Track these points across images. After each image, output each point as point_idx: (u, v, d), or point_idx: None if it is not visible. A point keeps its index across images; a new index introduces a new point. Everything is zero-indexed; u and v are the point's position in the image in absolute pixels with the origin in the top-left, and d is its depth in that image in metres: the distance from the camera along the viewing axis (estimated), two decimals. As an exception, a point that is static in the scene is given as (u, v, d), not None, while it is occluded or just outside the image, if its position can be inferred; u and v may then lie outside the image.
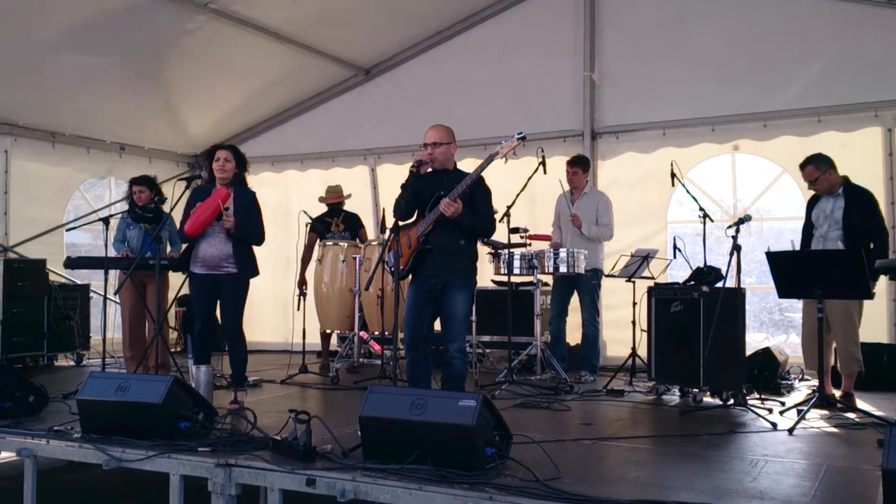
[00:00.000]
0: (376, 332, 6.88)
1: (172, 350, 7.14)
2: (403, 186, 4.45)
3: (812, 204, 5.65)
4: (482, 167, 4.29)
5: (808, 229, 5.60)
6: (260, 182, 8.94)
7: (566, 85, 8.04)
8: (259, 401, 5.41)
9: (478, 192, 4.39)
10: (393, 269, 4.49)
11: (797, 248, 5.88)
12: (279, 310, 8.54)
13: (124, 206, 6.39)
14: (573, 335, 6.90)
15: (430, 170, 4.45)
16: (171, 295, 6.42)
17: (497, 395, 5.57)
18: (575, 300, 6.72)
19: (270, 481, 3.47)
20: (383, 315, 6.57)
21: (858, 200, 5.39)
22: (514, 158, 7.90)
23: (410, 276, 4.52)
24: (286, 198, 9.18)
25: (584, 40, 7.93)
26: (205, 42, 7.52)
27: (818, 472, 3.56)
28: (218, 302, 5.11)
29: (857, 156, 6.76)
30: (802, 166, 5.57)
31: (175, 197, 5.18)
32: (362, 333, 6.80)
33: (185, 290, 5.96)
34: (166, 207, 5.98)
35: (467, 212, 4.25)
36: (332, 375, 6.43)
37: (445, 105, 8.09)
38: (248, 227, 5.06)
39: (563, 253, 6.42)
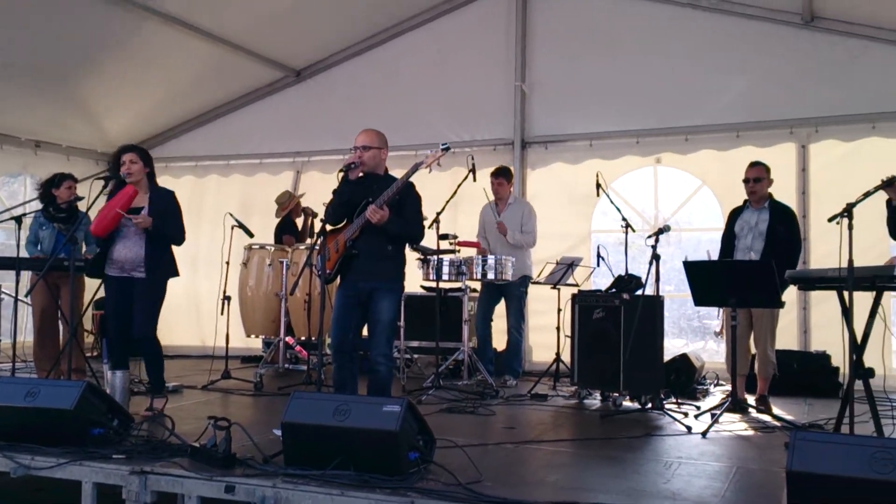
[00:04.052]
0: (303, 338, 6.80)
1: (88, 355, 6.88)
2: (335, 192, 4.43)
3: (735, 216, 5.85)
4: (407, 176, 4.30)
5: (730, 239, 5.80)
6: (181, 184, 8.73)
7: (498, 94, 8.15)
8: (179, 407, 5.28)
9: (408, 200, 4.39)
10: (321, 272, 4.46)
11: (713, 257, 6.11)
12: (193, 313, 8.37)
13: (38, 205, 6.13)
14: (498, 340, 6.98)
15: (360, 174, 4.42)
16: (87, 297, 6.19)
17: (424, 401, 5.59)
18: (500, 306, 6.81)
19: (188, 488, 3.39)
20: (310, 320, 6.50)
21: (784, 215, 5.66)
22: (439, 169, 8.12)
23: (339, 281, 4.50)
24: (208, 200, 8.95)
25: (515, 50, 8.07)
26: (128, 37, 7.31)
27: (728, 474, 3.71)
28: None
29: (773, 170, 7.06)
30: (754, 164, 5.78)
31: (92, 196, 5.00)
32: (288, 339, 6.71)
33: (103, 293, 5.75)
34: (82, 206, 5.78)
35: (394, 219, 4.25)
36: (255, 381, 6.32)
37: (377, 110, 8.09)
38: (166, 226, 4.92)
39: (491, 260, 6.50)
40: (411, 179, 4.42)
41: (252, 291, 6.96)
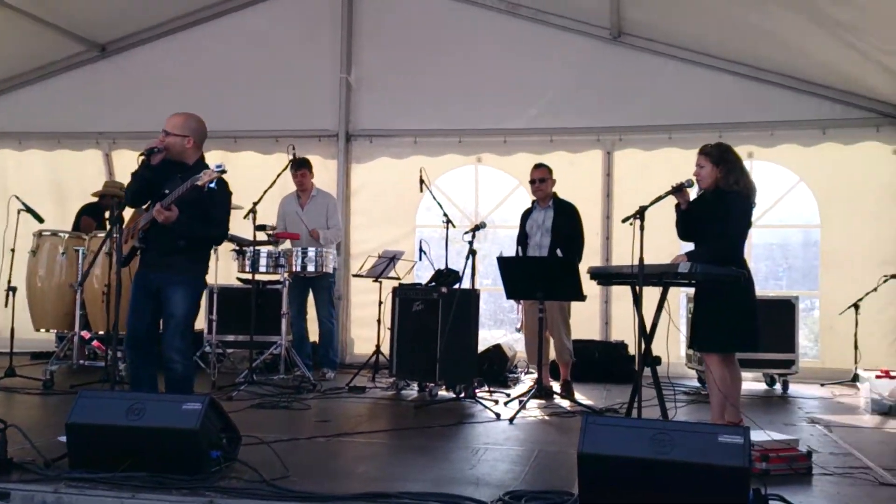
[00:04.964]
0: (101, 332, 6.30)
1: None
2: (132, 175, 4.12)
3: (526, 216, 6.21)
4: (181, 190, 3.87)
5: (523, 239, 6.15)
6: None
7: (323, 84, 8.02)
8: (-50, 410, 4.70)
9: (214, 198, 4.04)
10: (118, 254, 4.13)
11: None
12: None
13: None
14: (315, 334, 6.87)
15: (161, 159, 4.10)
16: None
17: (235, 397, 5.38)
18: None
19: (-50, 499, 3.03)
20: (108, 312, 6.02)
21: (566, 212, 6.03)
22: (261, 155, 7.88)
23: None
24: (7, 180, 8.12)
25: (340, 42, 7.97)
26: None
27: (530, 458, 3.89)
28: None
29: (582, 174, 7.54)
30: (538, 166, 6.13)
31: None
32: (84, 333, 6.19)
33: None
34: None
35: (183, 220, 3.92)
36: (44, 379, 5.77)
37: (195, 92, 7.66)
38: None
39: (311, 252, 6.38)
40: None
41: (42, 282, 6.37)
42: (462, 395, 5.52)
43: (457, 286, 5.70)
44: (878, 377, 5.48)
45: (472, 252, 5.53)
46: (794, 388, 6.44)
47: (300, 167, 6.71)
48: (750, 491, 2.81)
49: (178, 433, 3.20)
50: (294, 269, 6.37)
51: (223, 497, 2.98)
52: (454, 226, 6.33)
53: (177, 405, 3.30)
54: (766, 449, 3.57)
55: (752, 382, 6.61)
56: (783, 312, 6.40)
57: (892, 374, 5.50)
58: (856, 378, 6.37)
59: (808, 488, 3.40)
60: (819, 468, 3.65)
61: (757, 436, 3.64)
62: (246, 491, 3.03)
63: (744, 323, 4.22)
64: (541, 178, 6.02)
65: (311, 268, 6.39)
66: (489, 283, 8.22)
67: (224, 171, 3.89)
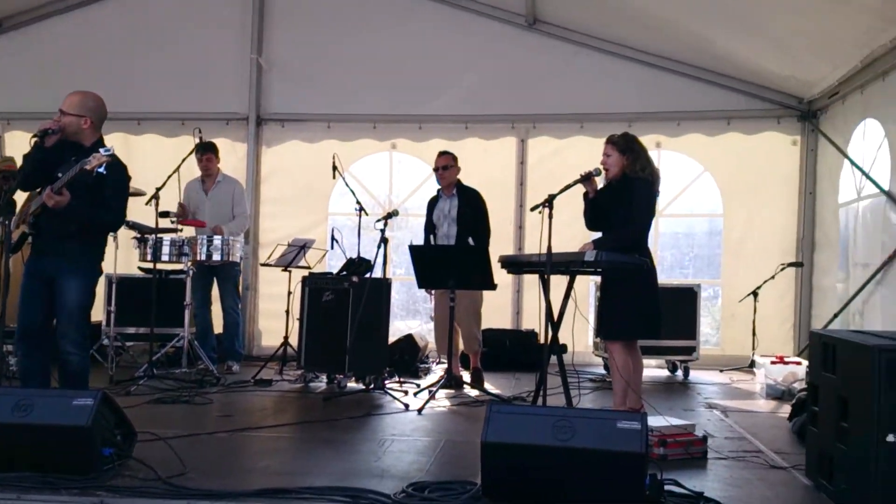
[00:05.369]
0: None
1: None
2: (24, 157, 3.90)
3: (432, 205, 6.20)
4: (71, 174, 3.70)
5: (432, 227, 6.14)
6: None
7: (232, 66, 7.79)
8: None
9: (109, 183, 3.88)
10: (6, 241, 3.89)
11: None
12: None
13: None
14: (220, 325, 6.69)
15: (55, 140, 3.89)
16: None
17: (133, 391, 5.17)
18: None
19: None
20: (4, 305, 5.68)
21: (470, 199, 6.05)
22: (166, 138, 7.60)
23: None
24: None
25: (252, 21, 7.73)
26: None
27: (436, 448, 3.90)
28: None
29: (496, 161, 7.58)
30: (443, 153, 6.12)
31: None
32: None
33: None
34: None
35: (75, 205, 3.77)
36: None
37: (96, 71, 7.27)
38: None
39: (217, 240, 6.19)
40: (118, 156, 3.96)
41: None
42: (371, 386, 5.47)
43: (368, 275, 5.64)
44: (772, 363, 5.70)
45: (384, 240, 5.47)
46: (694, 375, 6.61)
47: (206, 151, 6.49)
48: (647, 476, 2.86)
49: (68, 430, 3.09)
50: (198, 258, 6.17)
51: (114, 496, 2.88)
52: (367, 213, 6.24)
53: (67, 401, 3.18)
54: (664, 434, 3.68)
55: (654, 369, 6.80)
56: (685, 300, 6.53)
57: (787, 360, 5.73)
58: (753, 364, 6.57)
59: (703, 472, 3.51)
60: (714, 452, 3.79)
61: (656, 421, 3.76)
62: (139, 489, 2.94)
63: (645, 311, 4.31)
64: (444, 165, 6.02)
65: (216, 256, 6.20)
66: (402, 273, 8.18)
67: (112, 155, 3.73)
